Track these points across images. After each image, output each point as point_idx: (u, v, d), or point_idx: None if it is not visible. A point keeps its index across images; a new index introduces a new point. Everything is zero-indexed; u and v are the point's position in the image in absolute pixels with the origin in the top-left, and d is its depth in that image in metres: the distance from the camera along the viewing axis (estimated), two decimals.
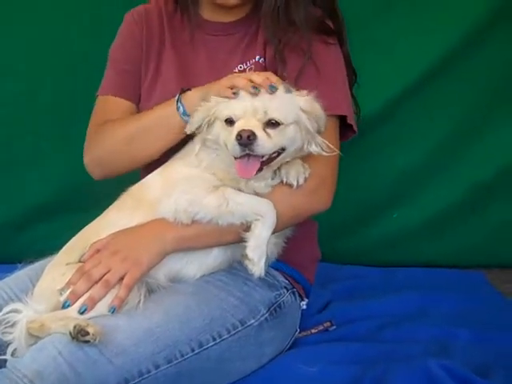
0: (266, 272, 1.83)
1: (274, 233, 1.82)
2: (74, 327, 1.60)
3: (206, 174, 1.82)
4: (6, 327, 1.71)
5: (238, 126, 1.70)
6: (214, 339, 1.79)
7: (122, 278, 1.74)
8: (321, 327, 2.23)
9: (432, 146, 2.94)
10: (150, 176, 1.95)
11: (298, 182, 1.82)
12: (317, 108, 1.80)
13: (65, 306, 1.72)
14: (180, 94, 1.91)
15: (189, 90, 1.91)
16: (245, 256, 1.78)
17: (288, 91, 1.79)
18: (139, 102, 2.13)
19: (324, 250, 2.30)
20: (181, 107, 1.89)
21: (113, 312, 1.72)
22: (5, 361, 1.68)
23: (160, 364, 1.70)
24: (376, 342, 2.18)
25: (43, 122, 2.83)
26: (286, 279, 2.07)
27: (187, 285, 1.86)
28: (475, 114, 2.90)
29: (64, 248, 1.92)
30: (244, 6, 2.06)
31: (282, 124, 1.73)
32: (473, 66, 2.83)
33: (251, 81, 1.75)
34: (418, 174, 2.97)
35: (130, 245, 1.80)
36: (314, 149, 1.80)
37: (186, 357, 1.74)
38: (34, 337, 1.68)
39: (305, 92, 1.81)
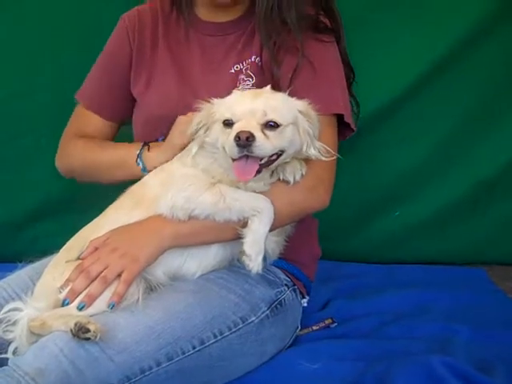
0: (266, 269, 1.83)
1: (271, 230, 1.81)
2: (75, 325, 1.61)
3: (202, 173, 1.82)
4: (7, 326, 1.71)
5: (237, 128, 1.69)
6: (215, 336, 1.79)
7: (120, 275, 1.75)
8: (322, 324, 2.24)
9: (434, 144, 2.93)
10: (148, 176, 1.95)
11: (294, 178, 1.81)
12: (312, 113, 1.80)
13: (64, 303, 1.72)
14: (142, 147, 1.98)
15: (150, 143, 1.98)
16: (242, 252, 1.78)
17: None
18: (117, 119, 2.22)
19: (326, 247, 2.30)
20: (140, 164, 1.97)
21: (112, 308, 1.72)
22: (6, 359, 1.68)
23: (161, 361, 1.70)
24: (377, 339, 2.19)
25: (43, 121, 2.82)
26: (287, 276, 2.07)
27: (188, 283, 1.86)
28: (477, 112, 2.89)
29: (64, 247, 1.92)
30: (240, 6, 2.06)
31: (281, 125, 1.73)
32: (474, 63, 2.82)
33: None
34: (419, 172, 2.96)
35: (128, 241, 1.80)
36: (312, 152, 1.80)
37: (187, 354, 1.74)
38: (35, 335, 1.69)
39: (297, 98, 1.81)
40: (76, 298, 1.72)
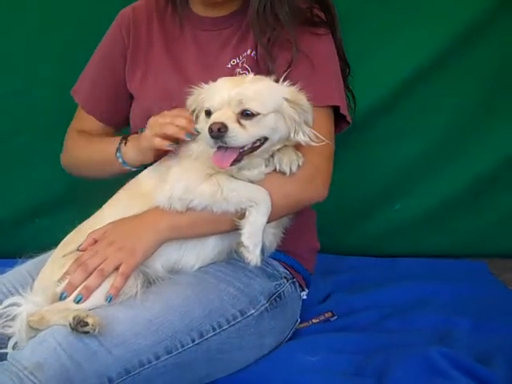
0: (265, 262, 1.83)
1: (269, 222, 1.81)
2: (74, 318, 1.61)
3: (198, 164, 1.81)
4: (6, 321, 1.72)
5: (212, 119, 1.70)
6: (214, 329, 1.80)
7: (117, 268, 1.75)
8: (322, 317, 2.24)
9: (433, 137, 2.93)
10: (145, 171, 1.96)
11: (291, 169, 1.80)
12: (301, 99, 1.78)
13: (62, 297, 1.73)
14: (121, 141, 1.99)
15: (130, 136, 2.00)
16: (240, 243, 1.78)
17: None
18: (110, 121, 2.24)
19: (326, 241, 2.30)
20: (120, 158, 1.99)
21: (110, 301, 1.73)
22: (6, 354, 1.68)
23: (160, 354, 1.71)
24: (377, 332, 2.19)
25: (42, 118, 2.82)
26: (286, 269, 2.07)
27: (187, 276, 1.86)
28: (476, 105, 2.89)
29: (62, 243, 1.93)
30: (234, 1, 2.06)
31: (259, 114, 1.71)
32: (474, 56, 2.82)
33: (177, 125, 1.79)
34: (419, 166, 2.96)
35: (125, 234, 1.80)
36: (301, 138, 1.78)
37: (186, 347, 1.75)
38: (34, 329, 1.69)
39: (286, 83, 1.80)
40: (74, 291, 1.72)
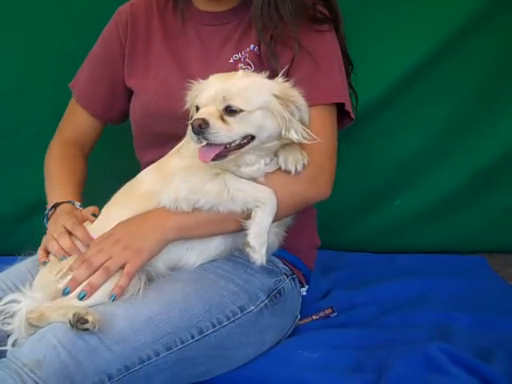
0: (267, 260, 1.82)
1: (274, 221, 1.81)
2: (73, 315, 1.61)
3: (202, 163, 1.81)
4: (5, 318, 1.71)
5: (196, 115, 1.69)
6: (214, 326, 1.79)
7: (122, 267, 1.74)
8: (322, 314, 2.23)
9: (433, 133, 2.92)
10: (143, 172, 1.95)
11: (296, 168, 1.79)
12: (295, 96, 1.77)
13: (65, 292, 1.72)
14: (52, 207, 2.05)
15: (61, 205, 2.05)
16: (246, 244, 1.77)
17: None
18: (103, 116, 2.28)
19: (326, 237, 2.30)
20: (45, 221, 2.05)
21: (113, 300, 1.72)
22: (5, 351, 1.67)
23: (160, 351, 1.70)
24: (378, 328, 2.19)
25: (43, 115, 2.82)
26: (286, 265, 2.07)
27: (186, 273, 1.86)
28: (476, 99, 2.89)
29: None
30: None
31: (244, 111, 1.70)
32: (473, 51, 2.81)
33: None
34: (419, 161, 2.95)
35: (132, 234, 1.80)
36: (293, 136, 1.76)
37: (186, 344, 1.74)
38: (33, 326, 1.68)
39: (281, 79, 1.79)
40: (77, 287, 1.72)
